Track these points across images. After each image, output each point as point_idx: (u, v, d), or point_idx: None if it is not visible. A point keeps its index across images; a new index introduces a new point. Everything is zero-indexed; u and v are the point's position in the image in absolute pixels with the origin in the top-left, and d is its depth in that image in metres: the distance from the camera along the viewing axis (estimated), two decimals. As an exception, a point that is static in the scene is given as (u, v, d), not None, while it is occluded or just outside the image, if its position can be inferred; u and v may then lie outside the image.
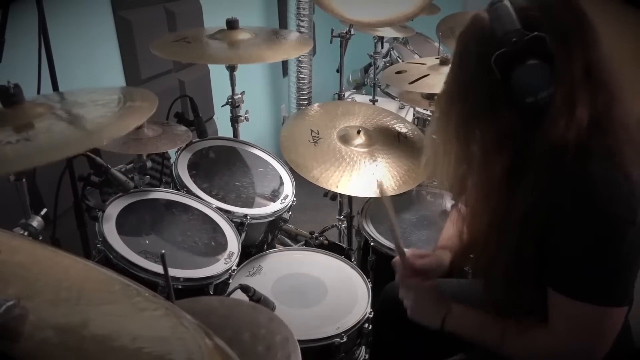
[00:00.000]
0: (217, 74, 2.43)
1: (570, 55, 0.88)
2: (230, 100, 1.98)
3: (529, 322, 0.99)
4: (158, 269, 1.27)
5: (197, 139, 1.83)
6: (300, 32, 3.06)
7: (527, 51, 0.88)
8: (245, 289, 1.19)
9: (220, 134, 2.43)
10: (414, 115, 3.01)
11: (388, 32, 2.88)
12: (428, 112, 2.76)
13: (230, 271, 1.41)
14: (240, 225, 1.57)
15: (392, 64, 3.05)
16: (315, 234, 2.26)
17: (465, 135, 1.00)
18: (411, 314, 1.17)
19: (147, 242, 1.37)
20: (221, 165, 1.80)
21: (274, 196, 1.75)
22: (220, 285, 1.39)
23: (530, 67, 0.88)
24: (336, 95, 2.51)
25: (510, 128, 0.93)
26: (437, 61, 1.99)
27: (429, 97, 2.38)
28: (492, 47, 0.90)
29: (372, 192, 1.65)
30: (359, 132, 1.80)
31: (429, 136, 1.20)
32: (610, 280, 0.90)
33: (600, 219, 0.88)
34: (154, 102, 1.15)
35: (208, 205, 1.58)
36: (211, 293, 1.36)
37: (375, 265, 1.70)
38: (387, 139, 1.83)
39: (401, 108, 3.07)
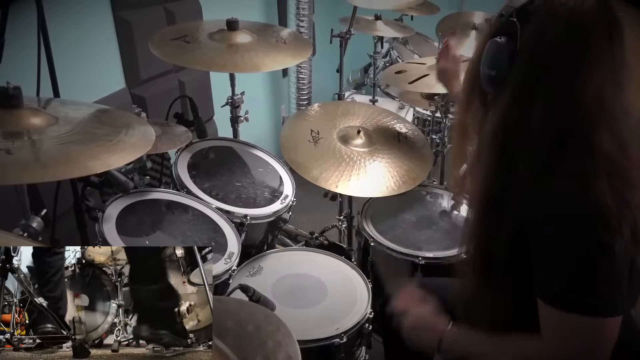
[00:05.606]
0: (217, 74, 2.43)
1: (534, 50, 0.90)
2: (230, 100, 1.98)
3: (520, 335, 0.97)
4: (158, 269, 1.27)
5: (197, 140, 1.83)
6: (300, 32, 3.06)
7: (504, 28, 0.93)
8: (244, 289, 1.18)
9: (220, 135, 2.43)
10: (414, 115, 3.01)
11: (388, 32, 2.88)
12: (428, 112, 2.76)
13: (230, 271, 1.41)
14: (240, 225, 1.57)
15: (392, 64, 3.05)
16: (315, 234, 2.26)
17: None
18: (406, 336, 1.14)
19: (147, 242, 1.37)
20: (221, 166, 1.80)
21: (274, 196, 1.75)
22: (220, 286, 1.39)
23: (494, 42, 0.95)
24: (336, 95, 2.52)
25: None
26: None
27: (429, 97, 2.37)
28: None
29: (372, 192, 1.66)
30: (359, 132, 1.80)
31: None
32: (600, 292, 0.88)
33: (587, 231, 0.87)
34: (150, 141, 1.13)
35: (208, 205, 1.58)
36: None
37: (375, 265, 1.70)
38: (387, 139, 1.83)
39: (401, 108, 3.07)
